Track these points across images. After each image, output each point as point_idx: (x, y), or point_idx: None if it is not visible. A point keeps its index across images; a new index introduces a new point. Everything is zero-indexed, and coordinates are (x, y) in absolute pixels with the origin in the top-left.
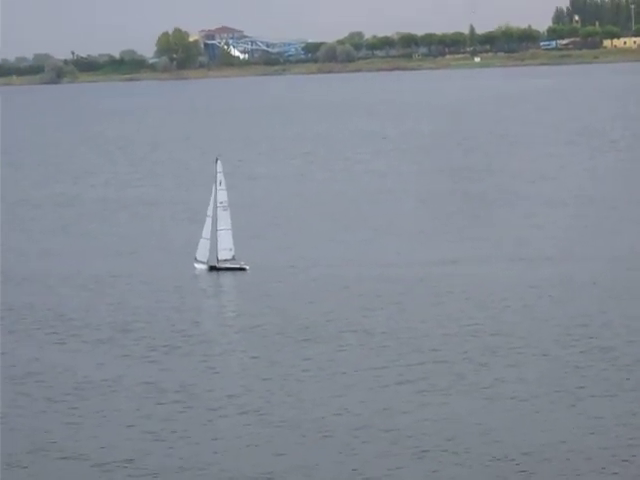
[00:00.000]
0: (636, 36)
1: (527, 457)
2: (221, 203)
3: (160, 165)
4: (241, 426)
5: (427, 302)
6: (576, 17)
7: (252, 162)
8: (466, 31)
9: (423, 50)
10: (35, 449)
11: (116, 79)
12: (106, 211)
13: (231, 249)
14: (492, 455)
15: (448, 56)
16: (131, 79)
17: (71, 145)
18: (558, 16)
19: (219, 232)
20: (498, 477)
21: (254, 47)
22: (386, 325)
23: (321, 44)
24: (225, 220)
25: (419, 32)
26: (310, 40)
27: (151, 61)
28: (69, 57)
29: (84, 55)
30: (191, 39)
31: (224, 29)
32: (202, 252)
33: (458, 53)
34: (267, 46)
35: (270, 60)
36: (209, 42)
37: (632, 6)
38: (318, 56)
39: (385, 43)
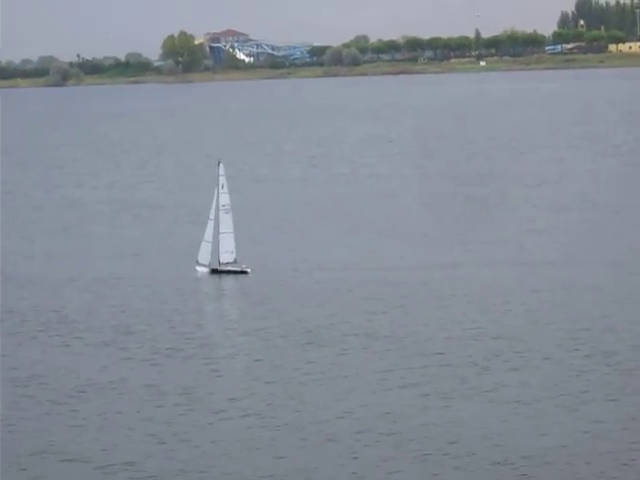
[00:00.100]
0: None
1: (529, 461)
2: (223, 206)
3: (164, 168)
4: (243, 429)
5: (430, 306)
6: (581, 22)
7: (256, 165)
8: (472, 35)
9: (429, 54)
10: (37, 451)
11: (121, 82)
12: (109, 213)
13: (233, 252)
14: (494, 459)
15: (453, 60)
16: (136, 82)
17: (75, 147)
18: (563, 20)
19: (221, 235)
20: None
21: (259, 50)
22: (389, 329)
23: (327, 48)
24: (227, 223)
25: (425, 36)
26: (316, 43)
27: (156, 64)
28: (74, 60)
29: (89, 58)
30: (196, 42)
31: (230, 32)
32: (204, 255)
33: (463, 57)
34: (272, 49)
35: (275, 63)
36: (214, 45)
37: (637, 10)
38: (324, 60)
39: (391, 47)
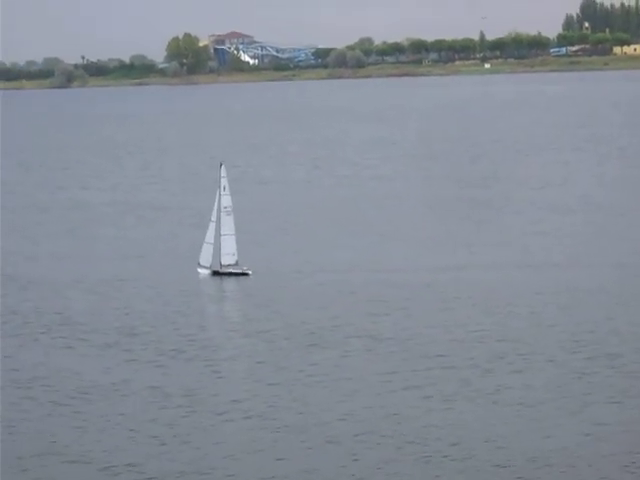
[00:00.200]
0: None
1: (531, 463)
2: (225, 208)
3: (168, 170)
4: (246, 431)
5: (433, 308)
6: (586, 24)
7: (260, 167)
8: (476, 37)
9: (433, 56)
10: (40, 452)
11: (126, 84)
12: (113, 215)
13: (234, 254)
14: (497, 461)
15: (458, 62)
16: (141, 84)
17: (80, 149)
18: (568, 23)
19: (223, 237)
20: None
21: (264, 52)
22: (392, 331)
23: (331, 50)
24: (229, 225)
25: (429, 38)
26: (320, 46)
27: (161, 66)
28: (79, 61)
29: (94, 60)
30: (201, 44)
31: (234, 34)
32: (205, 257)
33: (468, 59)
34: (277, 51)
35: (280, 65)
36: (219, 47)
37: None
38: (328, 62)
39: (395, 49)
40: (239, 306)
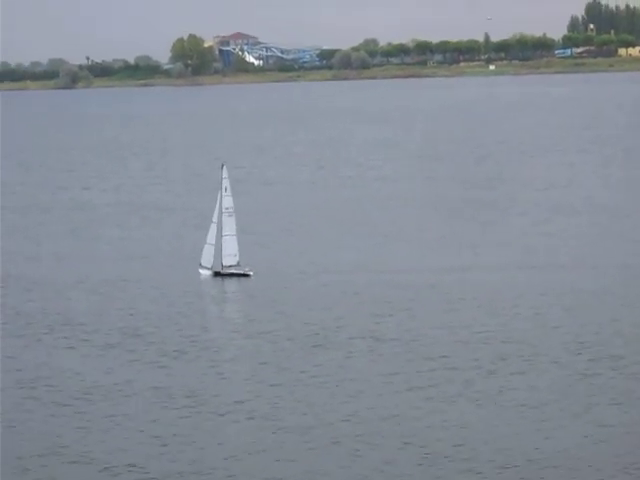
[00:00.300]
0: None
1: (534, 464)
2: (227, 209)
3: (173, 170)
4: (248, 431)
5: (437, 309)
6: (591, 25)
7: (264, 168)
8: (481, 39)
9: (438, 57)
10: (43, 453)
11: (131, 85)
12: (117, 216)
13: (236, 255)
14: (499, 462)
15: (463, 64)
16: (146, 85)
17: (84, 150)
18: (573, 24)
19: (224, 238)
20: None
21: (269, 53)
22: (396, 332)
23: (336, 51)
24: (230, 226)
25: (434, 39)
26: (325, 47)
27: (166, 67)
28: (84, 62)
29: (99, 60)
30: (206, 45)
31: (239, 35)
32: (207, 258)
33: (473, 61)
34: (282, 52)
35: (285, 67)
36: (224, 48)
37: None
38: (333, 63)
39: (400, 50)
40: (241, 307)
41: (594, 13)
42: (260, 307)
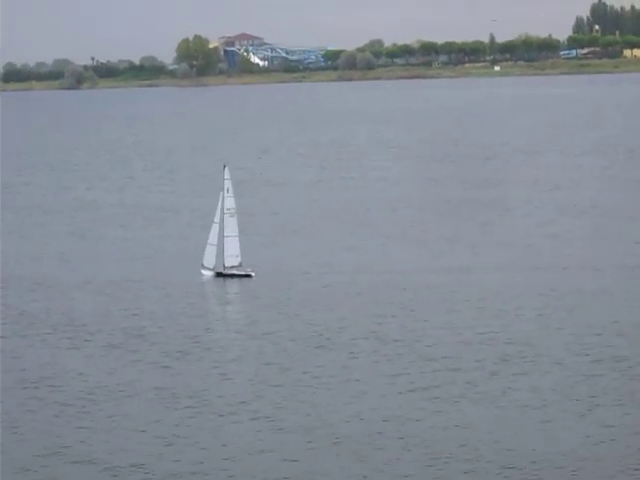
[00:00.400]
0: None
1: (537, 465)
2: (228, 210)
3: (177, 171)
4: (252, 432)
5: (440, 310)
6: (596, 26)
7: (268, 169)
8: (486, 40)
9: (443, 58)
10: (46, 453)
11: (136, 85)
12: (121, 216)
13: (238, 256)
14: (503, 463)
15: (468, 64)
16: (151, 85)
17: (88, 150)
18: (578, 25)
19: (226, 239)
20: None
21: (274, 54)
22: (399, 332)
23: (341, 52)
24: (232, 227)
25: (439, 40)
26: (330, 48)
27: (171, 67)
28: (89, 63)
29: (104, 61)
30: (211, 46)
31: (244, 36)
32: (209, 259)
33: (478, 62)
34: (287, 53)
35: (290, 67)
36: (229, 49)
37: None
38: (338, 64)
39: (405, 51)
40: (244, 308)
41: (599, 14)
42: (263, 308)
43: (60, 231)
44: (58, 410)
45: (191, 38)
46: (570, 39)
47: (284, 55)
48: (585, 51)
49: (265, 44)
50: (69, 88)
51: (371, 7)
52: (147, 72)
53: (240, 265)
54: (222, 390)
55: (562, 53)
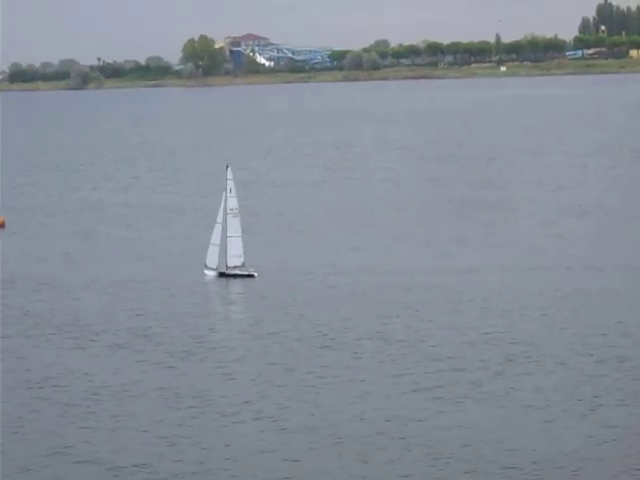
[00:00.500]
0: None
1: (540, 465)
2: (231, 210)
3: (182, 172)
4: (255, 432)
5: (444, 310)
6: (602, 27)
7: (273, 169)
8: (492, 40)
9: (449, 59)
10: (50, 453)
11: (141, 85)
12: (126, 216)
13: (240, 256)
14: (505, 463)
15: (474, 65)
16: (156, 85)
17: (94, 151)
18: (584, 26)
19: (229, 239)
20: None
21: (280, 54)
22: (403, 333)
23: (347, 52)
24: (235, 227)
25: (445, 41)
26: (336, 48)
27: (177, 68)
28: (95, 63)
29: (110, 61)
30: (217, 46)
31: (250, 36)
32: (211, 259)
33: (484, 62)
34: (293, 53)
35: (296, 68)
36: (235, 49)
37: None
38: (344, 64)
39: (411, 51)
40: (247, 308)
41: (605, 14)
42: (266, 308)
43: (65, 231)
44: (62, 410)
45: (197, 38)
46: (576, 39)
47: (290, 55)
48: (591, 51)
49: (271, 44)
50: (75, 88)
51: (377, 7)
52: (153, 72)
53: (243, 265)
54: (226, 390)
55: (568, 53)
